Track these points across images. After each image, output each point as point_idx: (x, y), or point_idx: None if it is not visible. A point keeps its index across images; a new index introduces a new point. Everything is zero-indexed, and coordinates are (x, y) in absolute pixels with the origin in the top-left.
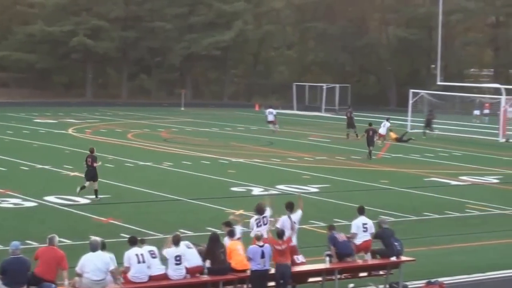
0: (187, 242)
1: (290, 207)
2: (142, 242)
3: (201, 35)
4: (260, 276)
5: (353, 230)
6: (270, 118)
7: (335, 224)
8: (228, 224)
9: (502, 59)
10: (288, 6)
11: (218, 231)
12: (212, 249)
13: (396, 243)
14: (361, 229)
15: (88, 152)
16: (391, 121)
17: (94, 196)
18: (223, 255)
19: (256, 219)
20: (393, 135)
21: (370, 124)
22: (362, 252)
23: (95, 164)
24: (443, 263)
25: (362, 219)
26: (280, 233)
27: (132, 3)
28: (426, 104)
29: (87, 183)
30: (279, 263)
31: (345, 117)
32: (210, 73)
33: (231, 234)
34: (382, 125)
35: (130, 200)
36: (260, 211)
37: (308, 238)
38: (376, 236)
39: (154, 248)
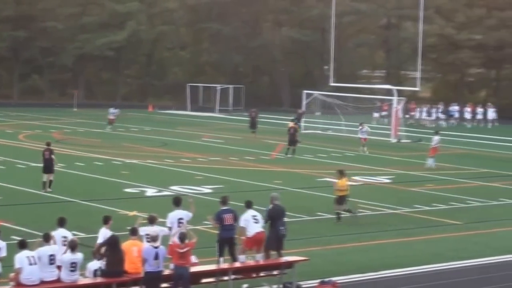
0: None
1: (177, 203)
2: (47, 240)
3: (94, 35)
4: (153, 278)
5: (241, 224)
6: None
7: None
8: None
9: (393, 60)
10: (181, 7)
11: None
12: (110, 253)
13: (281, 227)
14: (252, 221)
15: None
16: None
17: (48, 188)
18: (120, 259)
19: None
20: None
21: (294, 123)
22: (254, 247)
23: (53, 156)
24: (337, 262)
25: (250, 212)
26: (181, 237)
27: (23, 3)
28: (319, 105)
29: (45, 177)
30: (178, 266)
31: (249, 117)
32: (103, 73)
33: (133, 232)
34: (359, 129)
35: (22, 202)
36: (151, 220)
37: (201, 238)
38: (267, 214)
39: (55, 253)
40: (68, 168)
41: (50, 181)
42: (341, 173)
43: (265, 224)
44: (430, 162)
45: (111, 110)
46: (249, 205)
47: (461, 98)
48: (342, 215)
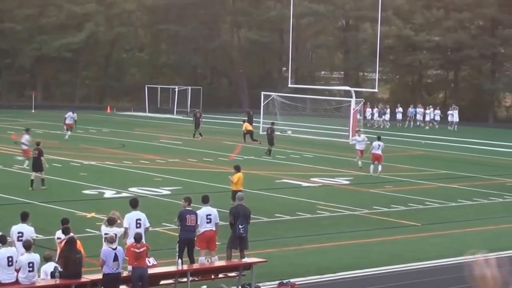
0: None
1: (134, 205)
2: (4, 243)
3: (52, 36)
4: (113, 279)
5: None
6: (68, 121)
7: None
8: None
9: (351, 62)
10: (139, 8)
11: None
12: (66, 253)
13: (240, 226)
14: (205, 219)
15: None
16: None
17: (41, 185)
18: (78, 260)
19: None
20: (248, 126)
21: (272, 124)
22: (205, 246)
23: (42, 158)
24: (295, 264)
25: (206, 209)
26: (137, 237)
27: None
28: (277, 106)
29: (33, 175)
30: (136, 267)
31: (193, 118)
32: (61, 75)
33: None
34: (354, 139)
35: None
36: (111, 222)
37: (161, 240)
38: (230, 212)
39: (13, 255)
40: (25, 170)
41: (42, 180)
42: (235, 169)
43: (230, 225)
44: (371, 168)
45: (70, 114)
46: (205, 200)
47: (419, 99)
48: None
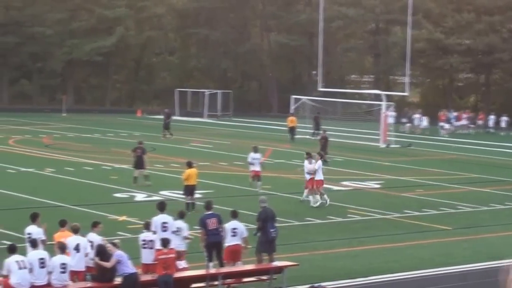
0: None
1: (161, 208)
2: (35, 246)
3: (83, 40)
4: (134, 279)
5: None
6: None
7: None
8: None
9: (382, 66)
10: (169, 12)
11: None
12: (100, 260)
13: (271, 230)
14: (230, 233)
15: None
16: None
17: (146, 182)
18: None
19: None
20: (292, 122)
21: (324, 132)
22: (230, 260)
23: (144, 156)
24: (326, 267)
25: (233, 223)
26: (164, 241)
27: (12, 8)
28: (307, 109)
29: (136, 172)
30: (163, 275)
31: (165, 117)
32: (92, 78)
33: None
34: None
35: (12, 207)
36: (147, 226)
37: (192, 243)
38: (257, 218)
39: (45, 256)
40: (58, 173)
41: (146, 176)
42: (187, 165)
43: (257, 231)
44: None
45: (252, 155)
46: (234, 215)
47: (450, 103)
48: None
